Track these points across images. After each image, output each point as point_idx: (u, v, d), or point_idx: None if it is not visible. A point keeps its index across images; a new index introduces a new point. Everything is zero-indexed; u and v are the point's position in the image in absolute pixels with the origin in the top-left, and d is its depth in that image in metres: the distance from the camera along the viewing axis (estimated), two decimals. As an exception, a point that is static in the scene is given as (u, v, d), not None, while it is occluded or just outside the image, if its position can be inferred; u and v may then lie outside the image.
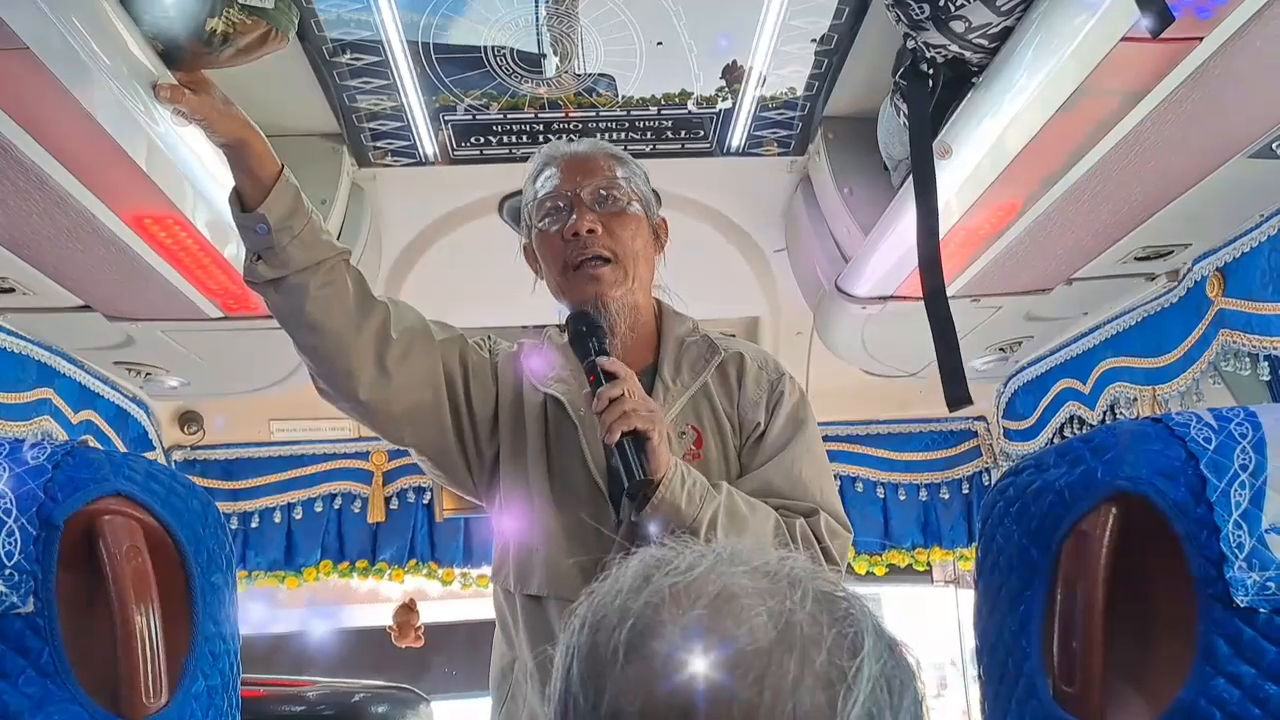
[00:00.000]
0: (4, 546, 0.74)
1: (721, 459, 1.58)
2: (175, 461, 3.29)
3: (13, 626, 0.75)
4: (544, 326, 1.75)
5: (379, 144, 2.19)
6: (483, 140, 2.19)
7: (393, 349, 1.50)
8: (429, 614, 3.87)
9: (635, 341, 1.62)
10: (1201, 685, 0.69)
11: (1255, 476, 0.71)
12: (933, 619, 5.89)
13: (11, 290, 2.01)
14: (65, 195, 1.59)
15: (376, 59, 1.90)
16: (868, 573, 3.49)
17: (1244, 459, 0.72)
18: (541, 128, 2.16)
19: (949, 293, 1.68)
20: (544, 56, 1.94)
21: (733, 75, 2.01)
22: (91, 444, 2.61)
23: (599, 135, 2.17)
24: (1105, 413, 2.69)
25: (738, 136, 2.23)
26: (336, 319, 1.46)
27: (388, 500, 3.41)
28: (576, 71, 1.98)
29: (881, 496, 3.46)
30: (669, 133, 2.20)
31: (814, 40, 1.90)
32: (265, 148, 1.43)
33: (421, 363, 1.54)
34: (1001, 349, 2.79)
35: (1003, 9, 1.52)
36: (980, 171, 1.77)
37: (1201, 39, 1.37)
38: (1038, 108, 1.57)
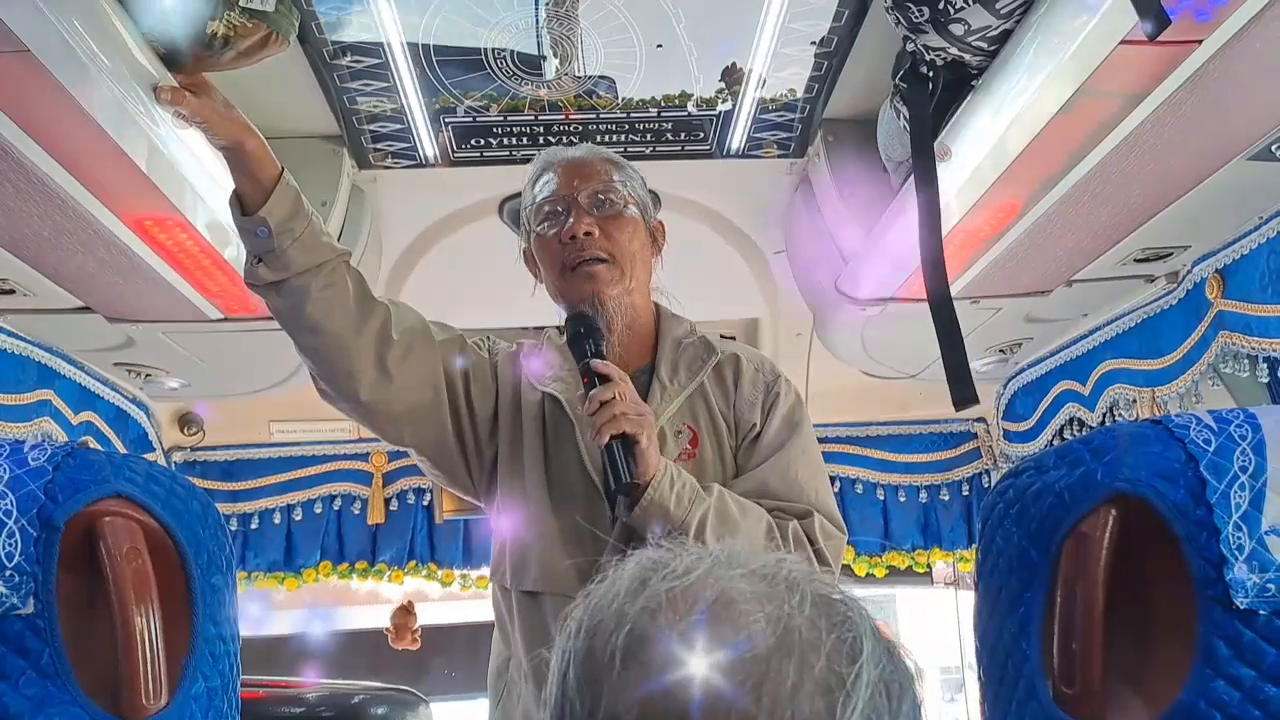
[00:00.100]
0: (4, 548, 0.74)
1: (717, 459, 1.59)
2: (175, 463, 3.29)
3: (13, 628, 0.75)
4: (544, 328, 1.76)
5: (379, 146, 2.19)
6: (483, 142, 2.20)
7: (394, 350, 1.51)
8: (429, 615, 3.87)
9: (633, 342, 1.63)
10: (1201, 687, 0.69)
11: (1255, 478, 0.71)
12: (950, 622, 5.82)
13: (12, 292, 2.02)
14: (66, 197, 1.60)
15: (377, 61, 1.90)
16: (868, 574, 3.49)
17: (1244, 461, 0.72)
18: (542, 130, 2.16)
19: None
20: (544, 59, 1.94)
21: (732, 77, 2.01)
22: (92, 445, 2.61)
23: (599, 137, 2.18)
24: (1105, 414, 2.69)
25: (737, 138, 2.23)
26: (337, 321, 1.47)
27: (387, 501, 3.41)
28: (576, 74, 1.98)
29: (881, 498, 3.46)
30: (669, 135, 2.21)
31: (814, 42, 1.91)
32: (265, 151, 1.43)
33: (422, 363, 1.55)
34: (1001, 351, 2.79)
35: (1002, 12, 1.53)
36: (980, 174, 1.77)
37: (1201, 42, 1.37)
38: (1037, 110, 1.57)
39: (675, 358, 1.64)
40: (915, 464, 3.48)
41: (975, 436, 3.49)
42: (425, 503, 3.41)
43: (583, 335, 1.53)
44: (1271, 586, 0.69)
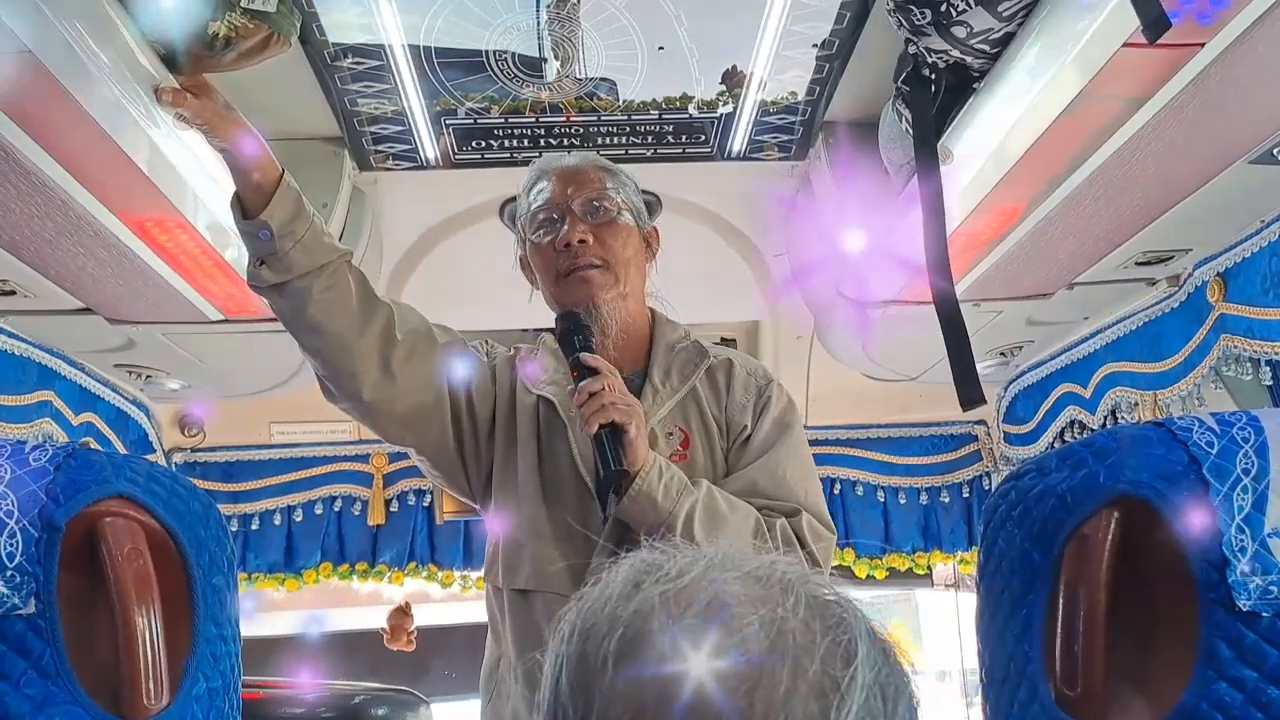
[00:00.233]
0: (5, 548, 0.74)
1: (708, 461, 1.61)
2: (176, 464, 3.29)
3: (14, 628, 0.75)
4: (544, 330, 1.76)
5: (380, 148, 2.20)
6: (484, 144, 2.20)
7: (398, 351, 1.52)
8: (429, 616, 3.87)
9: (627, 347, 1.65)
10: (1203, 689, 0.69)
11: (1258, 481, 0.71)
12: (967, 626, 5.75)
13: (13, 293, 2.02)
14: (66, 198, 1.60)
15: (378, 63, 1.90)
16: (868, 576, 3.49)
17: (1246, 463, 0.72)
18: (543, 132, 2.16)
19: (950, 297, 1.68)
20: (545, 61, 1.94)
21: (734, 80, 2.01)
22: (92, 446, 2.61)
23: (600, 139, 2.18)
24: (1106, 417, 2.69)
25: (739, 141, 2.23)
26: (339, 321, 1.48)
27: (388, 503, 3.40)
28: (578, 76, 1.99)
29: (882, 500, 3.46)
30: (670, 137, 2.21)
31: (815, 45, 1.91)
32: (266, 152, 1.44)
33: (426, 365, 1.57)
34: (1002, 353, 2.79)
35: (1004, 14, 1.53)
36: (982, 176, 1.77)
37: (1203, 45, 1.37)
38: (1039, 113, 1.57)
39: (668, 362, 1.66)
40: (915, 466, 3.48)
41: (975, 439, 3.48)
42: (426, 504, 3.41)
43: (571, 332, 1.55)
44: (1274, 588, 0.69)
